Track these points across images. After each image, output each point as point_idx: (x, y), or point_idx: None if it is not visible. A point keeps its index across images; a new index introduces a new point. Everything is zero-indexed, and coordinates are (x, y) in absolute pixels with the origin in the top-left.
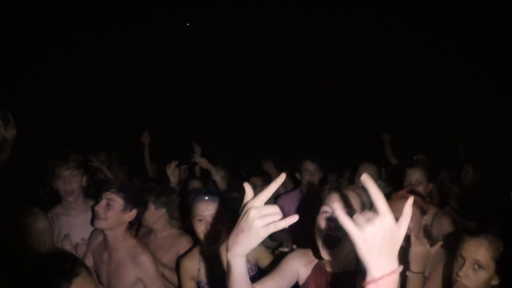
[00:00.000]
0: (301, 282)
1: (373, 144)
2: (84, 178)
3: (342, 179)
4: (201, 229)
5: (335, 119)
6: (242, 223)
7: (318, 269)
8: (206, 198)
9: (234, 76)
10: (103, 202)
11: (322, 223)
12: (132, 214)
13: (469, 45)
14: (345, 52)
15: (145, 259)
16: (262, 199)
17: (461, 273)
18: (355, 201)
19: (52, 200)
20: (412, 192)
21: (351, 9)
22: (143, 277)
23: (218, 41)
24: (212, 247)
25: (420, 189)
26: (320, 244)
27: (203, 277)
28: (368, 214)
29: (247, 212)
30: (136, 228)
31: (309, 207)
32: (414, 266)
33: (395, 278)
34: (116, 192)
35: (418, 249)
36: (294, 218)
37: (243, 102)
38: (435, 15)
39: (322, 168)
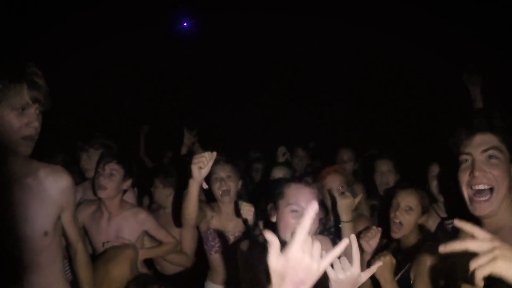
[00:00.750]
0: None
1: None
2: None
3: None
4: (217, 185)
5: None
6: (300, 275)
7: None
8: (222, 161)
9: (233, 74)
10: (106, 172)
11: (291, 221)
12: (128, 183)
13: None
14: (344, 49)
15: (145, 216)
16: (298, 242)
17: (397, 213)
18: (313, 197)
19: None
20: (341, 168)
21: (350, 8)
22: (148, 228)
23: (218, 36)
24: (224, 204)
25: (348, 166)
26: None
27: (215, 224)
28: (344, 262)
29: (300, 263)
30: (148, 204)
31: None
32: (344, 216)
33: None
34: (118, 163)
35: (343, 202)
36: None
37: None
38: (437, 15)
39: (310, 156)
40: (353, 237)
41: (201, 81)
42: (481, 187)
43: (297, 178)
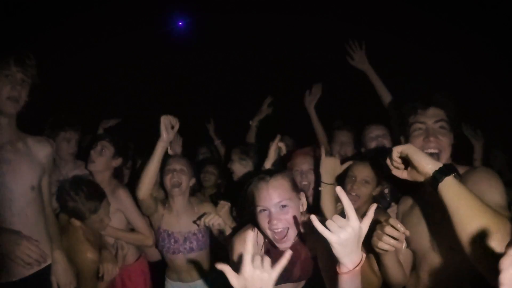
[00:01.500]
0: None
1: None
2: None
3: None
4: (169, 177)
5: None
6: (257, 286)
7: (267, 247)
8: (177, 155)
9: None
10: (98, 148)
11: (264, 220)
12: (118, 161)
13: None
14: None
15: (121, 192)
16: (247, 262)
17: (355, 186)
18: (287, 188)
19: None
20: (311, 150)
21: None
22: (121, 208)
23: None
24: (173, 199)
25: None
26: (273, 239)
27: (164, 225)
28: (339, 220)
29: (253, 277)
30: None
31: None
32: (326, 177)
33: (361, 265)
34: (109, 141)
35: (328, 161)
36: (288, 254)
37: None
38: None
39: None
40: (339, 189)
41: (199, 80)
42: (431, 151)
43: (261, 173)
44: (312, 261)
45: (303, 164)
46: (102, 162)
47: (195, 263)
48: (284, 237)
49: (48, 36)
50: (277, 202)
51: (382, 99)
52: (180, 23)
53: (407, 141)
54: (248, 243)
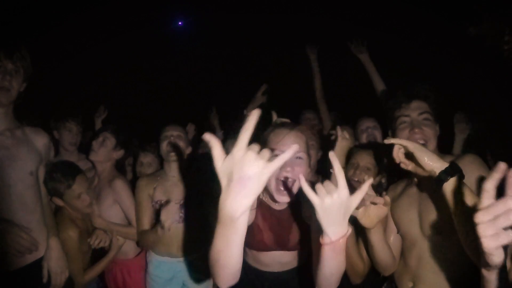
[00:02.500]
0: (248, 223)
1: None
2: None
3: None
4: (165, 143)
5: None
6: (245, 170)
7: (262, 207)
8: (174, 123)
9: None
10: (100, 138)
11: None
12: (119, 153)
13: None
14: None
15: (118, 183)
16: (243, 142)
17: (357, 172)
18: (305, 142)
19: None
20: (305, 128)
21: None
22: (118, 199)
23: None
24: (170, 166)
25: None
26: (273, 188)
27: (158, 195)
28: (329, 186)
29: (244, 158)
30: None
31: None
32: (339, 160)
33: (345, 240)
34: (111, 132)
35: (344, 144)
36: (294, 148)
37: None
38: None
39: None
40: (331, 154)
41: (198, 79)
42: (417, 141)
43: (284, 124)
44: (308, 227)
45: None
46: (103, 153)
47: (187, 235)
48: (288, 189)
49: (47, 36)
50: (296, 151)
51: (376, 91)
52: (180, 23)
53: (394, 134)
54: (252, 119)
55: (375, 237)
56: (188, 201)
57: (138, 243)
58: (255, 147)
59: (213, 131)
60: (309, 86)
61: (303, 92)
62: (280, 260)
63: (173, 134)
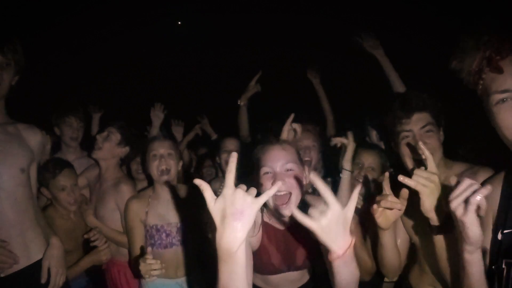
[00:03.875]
0: (255, 248)
1: None
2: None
3: None
4: (156, 164)
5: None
6: (237, 206)
7: (268, 229)
8: (161, 137)
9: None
10: (104, 133)
11: (266, 183)
12: (124, 150)
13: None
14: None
15: (124, 187)
16: (230, 182)
17: (362, 173)
18: (293, 153)
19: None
20: (312, 127)
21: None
22: (119, 204)
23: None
24: (162, 187)
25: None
26: (273, 205)
27: (152, 220)
28: (321, 206)
29: (234, 196)
30: None
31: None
32: (348, 164)
33: (352, 249)
34: (117, 127)
35: (352, 148)
36: (278, 184)
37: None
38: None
39: None
40: (313, 175)
41: (197, 79)
42: (423, 157)
43: (271, 139)
44: (315, 244)
45: (305, 140)
46: (107, 148)
47: (186, 256)
48: (286, 202)
49: (47, 36)
50: (283, 163)
51: (393, 88)
52: (179, 22)
53: (397, 148)
54: (232, 161)
55: (387, 238)
56: (185, 222)
57: None
58: (243, 186)
59: (208, 137)
60: (308, 85)
61: (303, 92)
62: (290, 278)
63: (163, 154)
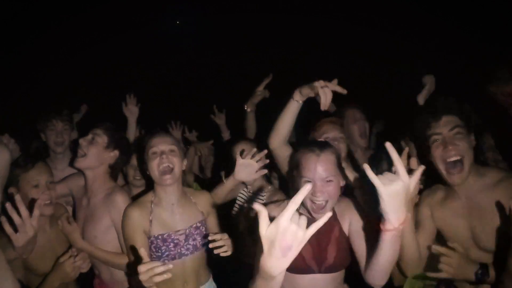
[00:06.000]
0: None
1: None
2: (72, 134)
3: None
4: (156, 162)
5: None
6: (287, 241)
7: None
8: (161, 132)
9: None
10: (88, 136)
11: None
12: (113, 155)
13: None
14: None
15: (118, 197)
16: (289, 214)
17: None
18: (334, 163)
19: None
20: (337, 120)
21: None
22: (114, 218)
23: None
24: (165, 190)
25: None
26: (309, 207)
27: (156, 229)
28: (389, 175)
29: (286, 230)
30: None
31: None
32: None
33: (405, 225)
34: (103, 129)
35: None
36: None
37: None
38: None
39: None
40: (388, 144)
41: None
42: (453, 158)
43: (311, 144)
44: (347, 242)
45: (332, 131)
46: (94, 154)
47: (200, 265)
48: (322, 209)
49: (46, 36)
50: (324, 177)
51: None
52: (178, 22)
53: (428, 153)
54: (301, 194)
55: (408, 226)
56: (195, 227)
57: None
58: (296, 217)
59: (220, 131)
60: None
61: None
62: (320, 284)
63: (164, 150)
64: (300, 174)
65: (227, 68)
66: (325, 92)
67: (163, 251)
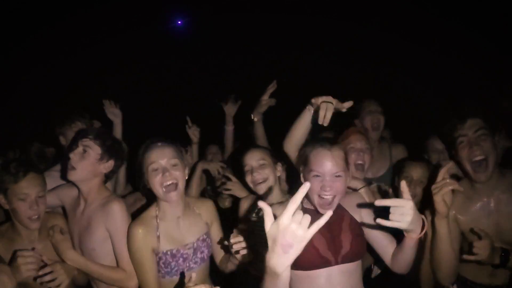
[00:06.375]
0: None
1: None
2: None
3: None
4: (158, 179)
5: None
6: (287, 239)
7: (306, 213)
8: (160, 144)
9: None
10: (79, 149)
11: (315, 185)
12: (108, 165)
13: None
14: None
15: (114, 207)
16: (290, 213)
17: (411, 186)
18: (343, 159)
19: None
20: (364, 130)
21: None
22: (110, 227)
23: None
24: (171, 204)
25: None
26: (316, 203)
27: (165, 245)
28: (396, 209)
29: (287, 228)
30: None
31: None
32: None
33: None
34: (93, 139)
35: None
36: (328, 214)
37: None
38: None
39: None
40: (404, 183)
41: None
42: (478, 158)
43: (320, 140)
44: (359, 228)
45: (359, 142)
46: (86, 168)
47: (205, 276)
48: (329, 204)
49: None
50: (334, 172)
51: None
52: (179, 22)
53: (456, 154)
54: (300, 193)
55: (445, 228)
56: (202, 239)
57: None
58: (298, 216)
59: (219, 131)
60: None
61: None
62: (338, 279)
63: (166, 167)
64: (309, 168)
65: (227, 68)
66: (326, 108)
67: (172, 266)
